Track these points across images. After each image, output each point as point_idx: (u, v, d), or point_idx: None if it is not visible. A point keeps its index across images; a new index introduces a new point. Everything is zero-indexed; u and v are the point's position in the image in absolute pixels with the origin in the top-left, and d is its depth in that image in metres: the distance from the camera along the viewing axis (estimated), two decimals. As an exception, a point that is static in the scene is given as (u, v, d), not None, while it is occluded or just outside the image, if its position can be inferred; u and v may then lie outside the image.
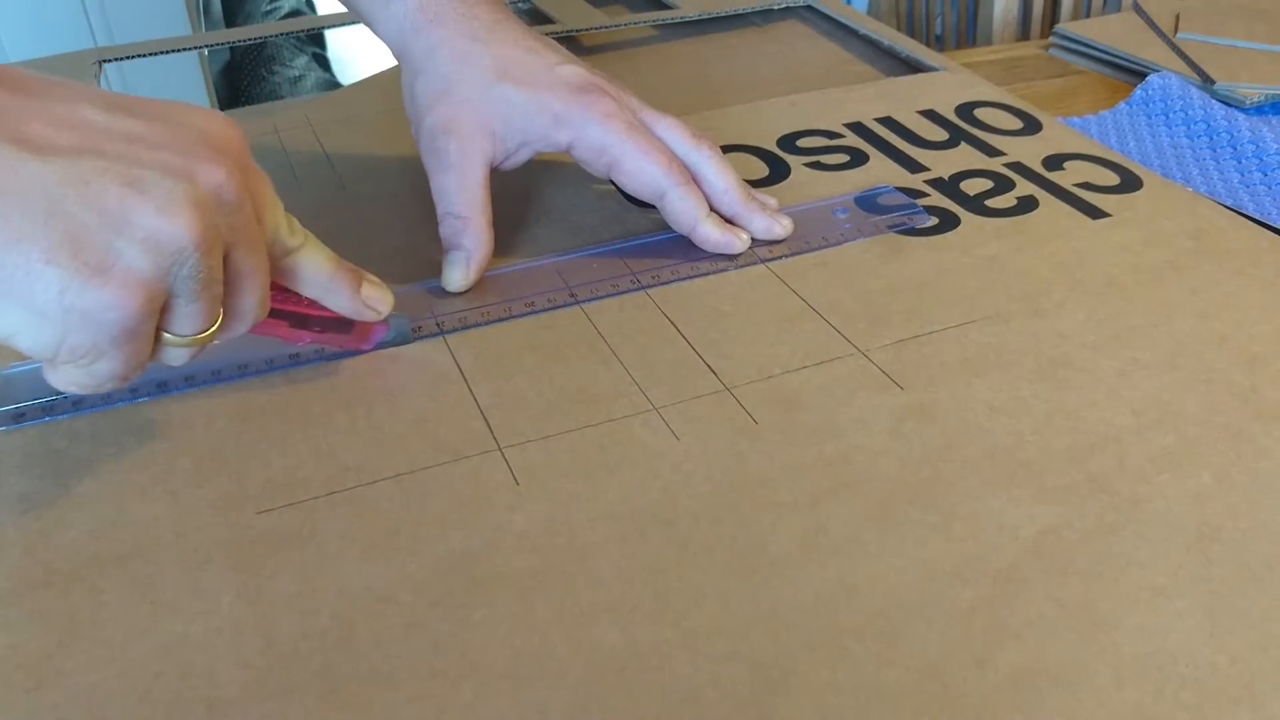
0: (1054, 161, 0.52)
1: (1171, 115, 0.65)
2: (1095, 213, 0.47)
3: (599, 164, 0.43)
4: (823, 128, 0.56)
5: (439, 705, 0.26)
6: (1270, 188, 0.60)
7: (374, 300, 0.36)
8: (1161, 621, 0.28)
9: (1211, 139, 0.63)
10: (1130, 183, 0.50)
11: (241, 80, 1.43)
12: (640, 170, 0.42)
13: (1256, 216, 0.56)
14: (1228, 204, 0.57)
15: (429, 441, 0.34)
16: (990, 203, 0.49)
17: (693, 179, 0.43)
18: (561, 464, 0.33)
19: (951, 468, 0.33)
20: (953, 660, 0.27)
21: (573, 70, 0.43)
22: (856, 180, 0.51)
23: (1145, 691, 0.26)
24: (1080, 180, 0.50)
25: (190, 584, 0.29)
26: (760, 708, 0.26)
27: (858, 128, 0.56)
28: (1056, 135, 0.55)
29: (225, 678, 0.27)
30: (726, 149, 0.54)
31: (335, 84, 1.43)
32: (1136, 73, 0.72)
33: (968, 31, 1.07)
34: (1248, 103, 0.67)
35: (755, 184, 0.51)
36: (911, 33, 1.14)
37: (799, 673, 0.27)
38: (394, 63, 0.66)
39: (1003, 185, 0.50)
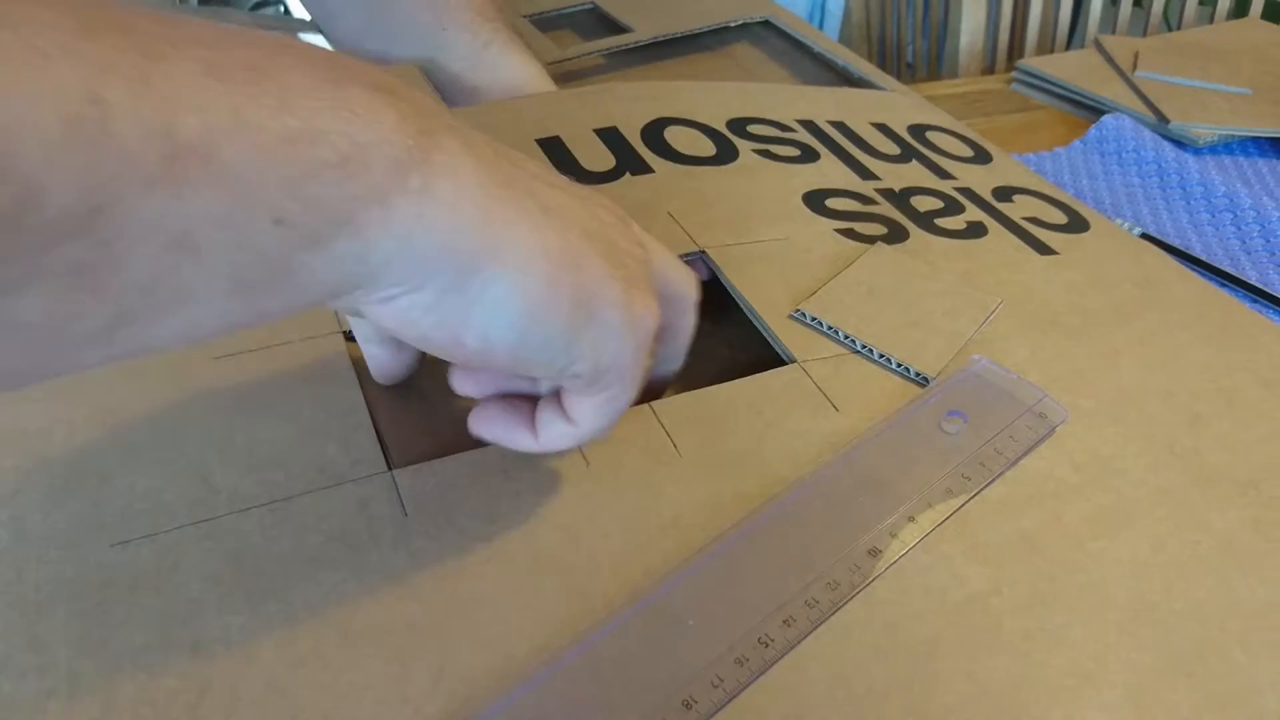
0: (1004, 193, 0.50)
1: (1124, 155, 0.64)
2: (1043, 249, 0.46)
3: None
4: (774, 118, 0.53)
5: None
6: (1217, 229, 0.60)
7: None
8: (1087, 715, 0.26)
9: (1162, 179, 0.63)
10: (1077, 224, 0.48)
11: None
12: None
13: (1203, 258, 0.55)
14: (1175, 244, 0.56)
15: (312, 461, 0.31)
16: (940, 222, 0.47)
17: None
18: (457, 491, 0.30)
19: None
20: (864, 746, 0.25)
21: None
22: (806, 176, 0.48)
23: (1067, 790, 0.24)
24: (1029, 215, 0.49)
25: (26, 633, 0.25)
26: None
27: (810, 125, 0.54)
28: (1006, 168, 0.53)
29: (48, 741, 0.23)
30: (674, 122, 0.51)
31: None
32: (1095, 109, 0.71)
33: (938, 60, 1.06)
34: (1200, 142, 0.66)
35: (702, 162, 0.48)
36: (884, 60, 1.13)
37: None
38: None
39: (953, 207, 0.48)
